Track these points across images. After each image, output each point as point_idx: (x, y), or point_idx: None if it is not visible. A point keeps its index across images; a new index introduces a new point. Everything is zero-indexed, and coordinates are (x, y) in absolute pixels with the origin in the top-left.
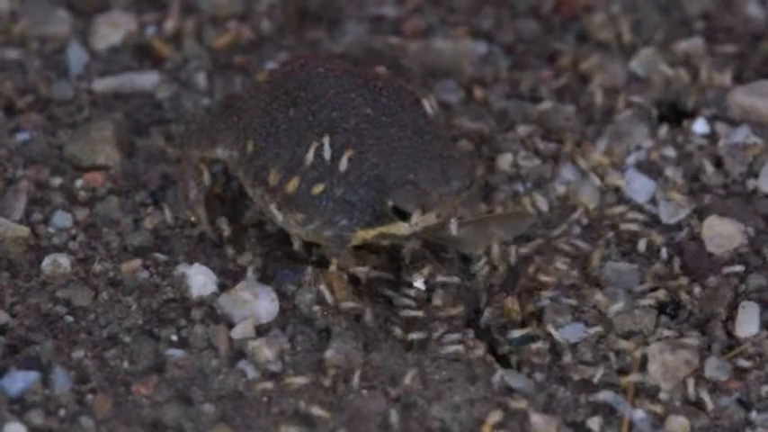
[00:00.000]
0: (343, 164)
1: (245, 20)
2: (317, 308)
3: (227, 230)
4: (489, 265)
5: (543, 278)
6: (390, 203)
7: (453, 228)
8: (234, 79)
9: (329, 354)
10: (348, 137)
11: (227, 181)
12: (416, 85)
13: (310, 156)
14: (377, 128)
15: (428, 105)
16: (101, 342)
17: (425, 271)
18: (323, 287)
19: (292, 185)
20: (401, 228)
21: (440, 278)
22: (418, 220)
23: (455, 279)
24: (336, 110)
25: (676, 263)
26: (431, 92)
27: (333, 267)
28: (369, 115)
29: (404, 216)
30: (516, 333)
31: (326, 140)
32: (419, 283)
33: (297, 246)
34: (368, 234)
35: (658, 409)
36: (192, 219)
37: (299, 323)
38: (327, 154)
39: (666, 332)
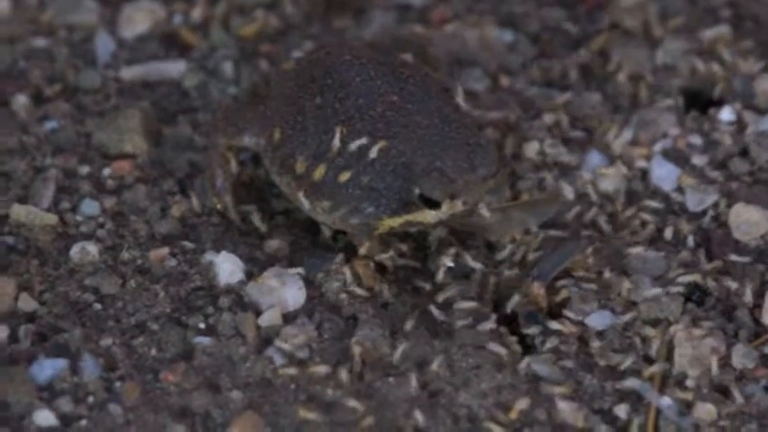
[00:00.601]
0: (373, 152)
1: (271, 8)
2: (343, 295)
3: (257, 221)
4: (516, 252)
5: (570, 265)
6: (417, 191)
7: (484, 211)
8: (260, 68)
9: (356, 341)
10: (375, 124)
11: (255, 169)
12: (443, 74)
13: (337, 143)
14: (403, 115)
15: (455, 94)
16: (129, 330)
17: (452, 252)
18: (350, 274)
19: (319, 173)
20: (428, 215)
21: (467, 265)
22: (446, 208)
23: (481, 266)
24: (363, 97)
25: (703, 250)
26: (457, 81)
27: (360, 255)
28: (395, 103)
29: (431, 204)
30: (543, 320)
31: (353, 128)
32: (449, 263)
33: (324, 234)
34: (394, 222)
35: (685, 396)
36: (219, 206)
37: (326, 310)
38: (355, 143)
39: (693, 319)
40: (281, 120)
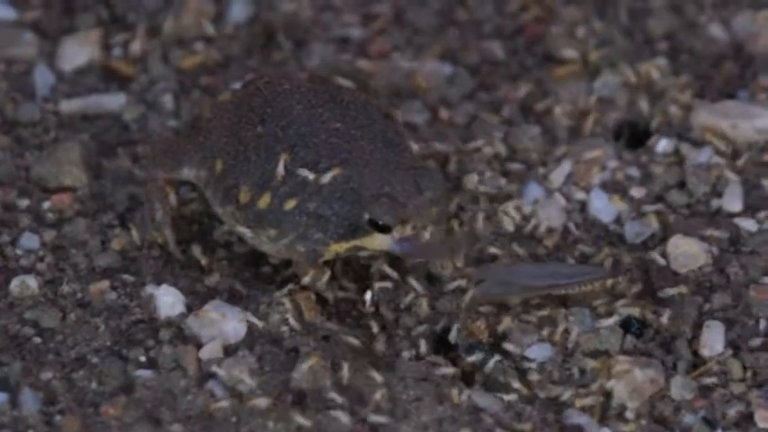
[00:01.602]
0: (326, 179)
1: (211, 41)
2: (285, 328)
3: (198, 254)
4: (456, 284)
5: (510, 297)
6: (367, 217)
7: (427, 236)
8: (200, 100)
9: (297, 374)
10: (319, 151)
11: (196, 201)
12: (383, 102)
13: (281, 171)
14: (347, 141)
15: (394, 118)
16: (69, 363)
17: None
18: (291, 307)
19: (264, 201)
20: (377, 240)
21: (406, 298)
22: (396, 233)
23: (423, 299)
24: (305, 125)
25: (641, 282)
26: (396, 108)
27: (303, 284)
28: (338, 129)
29: (381, 229)
30: (482, 352)
31: (297, 155)
32: (367, 297)
33: (266, 267)
34: (341, 247)
35: (625, 428)
36: (159, 240)
37: (267, 343)
38: (302, 170)
39: (632, 351)
40: (222, 151)
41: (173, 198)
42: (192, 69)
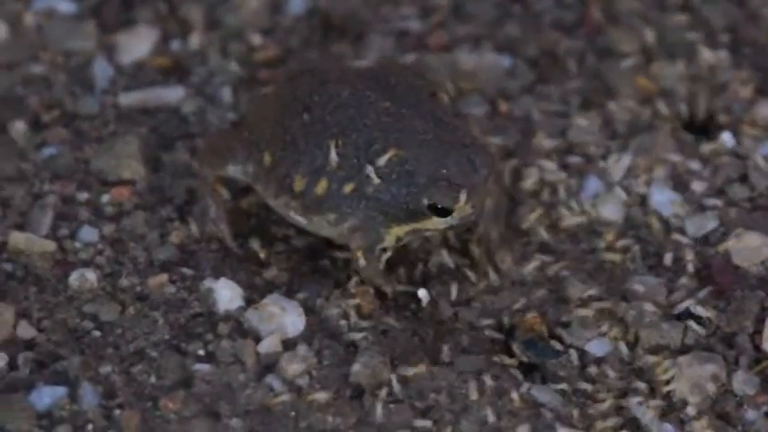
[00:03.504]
0: (382, 161)
1: (269, 34)
2: (343, 322)
3: (256, 248)
4: (515, 277)
5: (570, 291)
6: (426, 201)
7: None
8: (255, 93)
9: (356, 368)
10: (370, 132)
11: (252, 194)
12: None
13: (334, 157)
14: (398, 121)
15: (443, 96)
16: (128, 357)
17: (453, 288)
18: (350, 301)
19: (321, 187)
20: (437, 222)
21: (467, 293)
22: (456, 214)
23: (482, 293)
24: (353, 107)
25: (703, 276)
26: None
27: (359, 282)
28: (388, 109)
29: (440, 212)
30: (542, 347)
31: (349, 139)
32: (422, 294)
33: (324, 260)
34: (402, 230)
35: (686, 424)
36: (218, 234)
37: (325, 337)
38: (355, 153)
39: (694, 346)
40: (269, 143)
41: (225, 193)
42: (250, 62)
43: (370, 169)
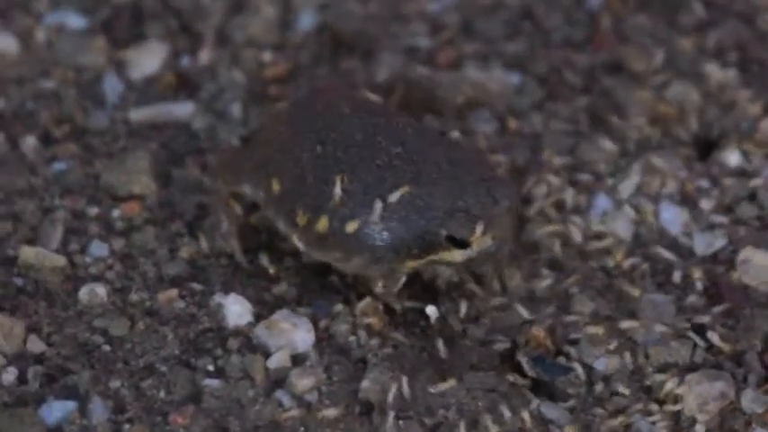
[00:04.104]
0: (394, 197)
1: (279, 50)
2: (352, 338)
3: (266, 263)
4: (524, 294)
5: (579, 308)
6: (444, 233)
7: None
8: (269, 109)
9: (365, 384)
10: (383, 172)
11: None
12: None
13: (338, 192)
14: (410, 164)
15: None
16: (137, 372)
17: (462, 304)
18: (359, 317)
19: (322, 225)
20: (456, 255)
21: (476, 309)
22: (476, 246)
23: (490, 309)
24: (366, 149)
25: (711, 294)
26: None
27: (376, 291)
28: (399, 154)
29: (459, 244)
30: (550, 364)
31: (358, 176)
32: (431, 310)
33: (333, 276)
34: (418, 263)
35: None
36: (227, 249)
37: (334, 353)
38: (363, 190)
39: (702, 364)
40: (278, 170)
41: (238, 209)
42: (260, 78)
43: (379, 206)
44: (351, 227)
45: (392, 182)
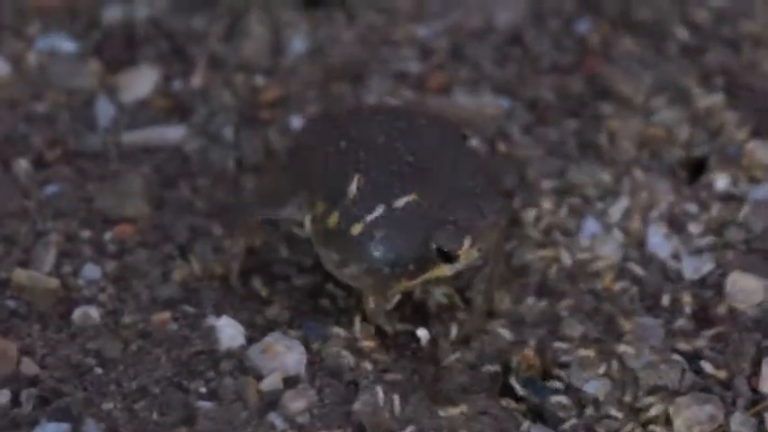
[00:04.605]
0: (401, 203)
1: (271, 74)
2: (344, 360)
3: (258, 286)
4: (514, 317)
5: (569, 332)
6: (434, 246)
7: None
8: (261, 133)
9: (357, 406)
10: (392, 178)
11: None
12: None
13: (354, 190)
14: (417, 173)
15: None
16: (130, 394)
17: (452, 327)
18: (350, 340)
19: (333, 220)
20: (444, 270)
21: (466, 331)
22: (463, 258)
23: (481, 333)
24: (385, 153)
25: (700, 318)
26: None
27: (360, 321)
28: (411, 162)
29: (447, 257)
30: (541, 386)
31: (369, 180)
32: (422, 333)
33: (324, 299)
34: (409, 284)
35: None
36: (218, 271)
37: (326, 375)
38: (374, 193)
39: (692, 387)
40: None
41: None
42: (252, 102)
43: (379, 212)
44: (356, 229)
45: (400, 189)
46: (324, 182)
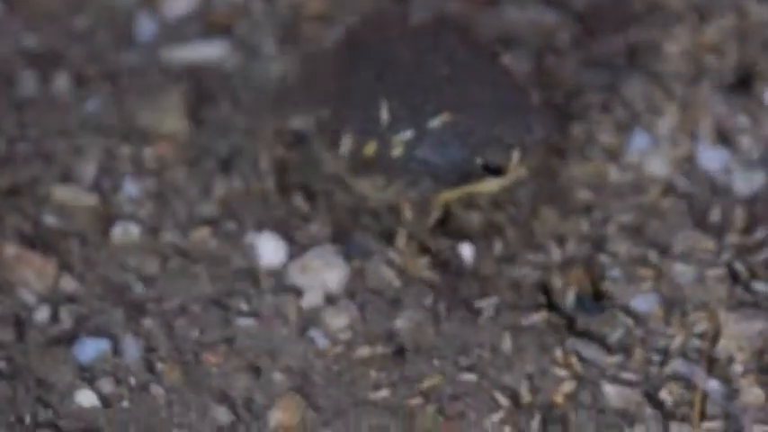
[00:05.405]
0: (435, 123)
1: None
2: (386, 277)
3: (299, 202)
4: (560, 236)
5: (615, 248)
6: (479, 161)
7: None
8: (303, 46)
9: (400, 323)
10: (427, 96)
11: (296, 150)
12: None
13: (385, 117)
14: (455, 86)
15: (506, 59)
16: (170, 311)
17: (497, 244)
18: (393, 256)
19: (370, 149)
20: (489, 184)
21: (512, 250)
22: (511, 174)
23: (524, 250)
24: (412, 70)
25: (750, 232)
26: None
27: (402, 237)
28: (446, 75)
29: (494, 172)
30: (587, 302)
31: (404, 101)
32: (465, 251)
33: (366, 216)
34: (453, 195)
35: (732, 379)
36: (261, 187)
37: (368, 292)
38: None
39: (739, 302)
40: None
41: (279, 149)
42: (295, 16)
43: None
44: (397, 150)
45: (436, 106)
46: (350, 116)
